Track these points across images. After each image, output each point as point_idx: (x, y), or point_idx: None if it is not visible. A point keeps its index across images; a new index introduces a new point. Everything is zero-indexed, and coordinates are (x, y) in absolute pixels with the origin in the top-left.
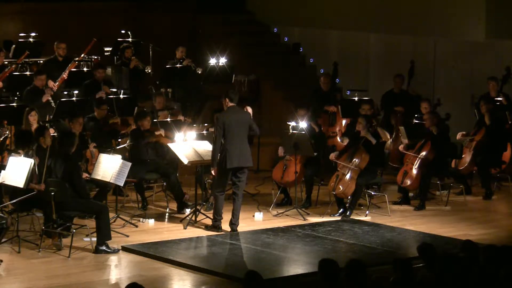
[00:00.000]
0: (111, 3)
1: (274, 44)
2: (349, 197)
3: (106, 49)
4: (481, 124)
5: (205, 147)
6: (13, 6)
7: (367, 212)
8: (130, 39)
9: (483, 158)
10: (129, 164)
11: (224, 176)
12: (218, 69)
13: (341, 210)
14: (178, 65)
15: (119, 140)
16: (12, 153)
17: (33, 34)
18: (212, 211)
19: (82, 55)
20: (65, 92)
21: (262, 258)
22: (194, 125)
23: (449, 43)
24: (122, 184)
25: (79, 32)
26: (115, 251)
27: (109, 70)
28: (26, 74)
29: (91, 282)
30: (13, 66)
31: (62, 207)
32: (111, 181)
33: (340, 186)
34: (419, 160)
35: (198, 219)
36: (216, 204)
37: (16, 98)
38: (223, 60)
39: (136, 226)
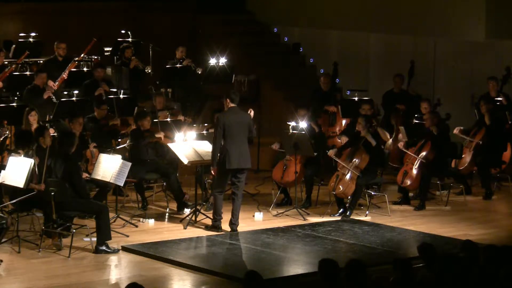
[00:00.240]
0: (111, 3)
1: (274, 44)
2: (349, 197)
3: (106, 49)
4: (481, 124)
5: (205, 147)
6: (13, 6)
7: (367, 212)
8: (130, 39)
9: (483, 158)
10: (129, 164)
11: (224, 177)
12: (218, 69)
13: (341, 210)
14: (178, 65)
15: (119, 140)
16: (12, 153)
17: (33, 34)
18: (212, 211)
19: (82, 55)
20: (65, 92)
21: (262, 258)
22: (194, 125)
23: (449, 43)
24: (122, 184)
25: (79, 32)
26: (115, 251)
27: (109, 70)
28: (26, 74)
29: (91, 282)
30: (13, 66)
31: (62, 207)
32: (111, 181)
33: (340, 186)
34: (419, 160)
35: (198, 219)
36: (215, 204)
37: (16, 98)
38: (223, 60)
39: (136, 226)
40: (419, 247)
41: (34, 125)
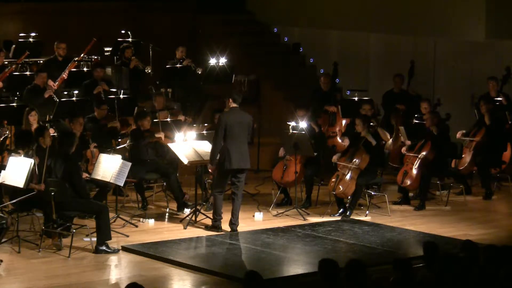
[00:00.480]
0: (111, 3)
1: (274, 44)
2: (349, 197)
3: (106, 49)
4: (481, 124)
5: (205, 147)
6: (13, 6)
7: (367, 212)
8: (130, 39)
9: (483, 158)
10: (129, 164)
11: (224, 177)
12: (218, 69)
13: (341, 210)
14: (178, 65)
15: (119, 140)
16: (12, 153)
17: (33, 34)
18: (212, 211)
19: (82, 55)
20: (65, 92)
21: (262, 258)
22: (194, 125)
23: (449, 43)
24: (122, 184)
25: (79, 32)
26: (115, 251)
27: (109, 70)
28: (26, 74)
29: (91, 282)
30: (13, 66)
31: (62, 207)
32: (111, 181)
33: (340, 186)
34: (419, 160)
35: (198, 219)
36: (215, 204)
37: (16, 98)
38: (223, 60)
39: (136, 226)
40: (424, 245)
41: (34, 125)
